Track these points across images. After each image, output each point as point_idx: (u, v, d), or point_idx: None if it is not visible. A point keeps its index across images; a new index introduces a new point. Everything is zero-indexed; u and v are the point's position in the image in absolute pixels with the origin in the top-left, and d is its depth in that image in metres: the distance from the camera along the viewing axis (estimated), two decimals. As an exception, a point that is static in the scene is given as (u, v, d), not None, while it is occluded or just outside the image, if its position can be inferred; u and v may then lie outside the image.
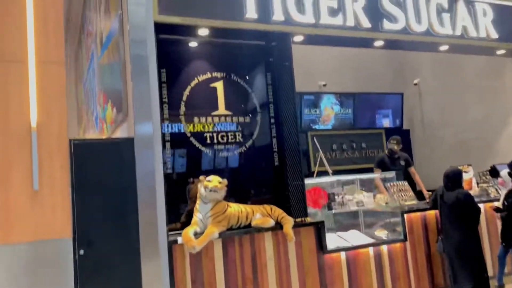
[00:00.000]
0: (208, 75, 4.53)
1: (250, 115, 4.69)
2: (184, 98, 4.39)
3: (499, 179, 5.08)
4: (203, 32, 4.32)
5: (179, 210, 4.32)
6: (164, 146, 4.20)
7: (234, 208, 4.01)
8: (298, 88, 6.46)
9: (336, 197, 4.75)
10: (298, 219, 4.31)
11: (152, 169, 3.64)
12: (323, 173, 5.99)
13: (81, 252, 3.38)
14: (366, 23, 4.92)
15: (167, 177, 4.13)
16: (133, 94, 3.70)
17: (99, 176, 3.51)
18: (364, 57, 8.05)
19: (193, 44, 4.62)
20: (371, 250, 4.55)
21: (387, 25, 5.06)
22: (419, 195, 5.87)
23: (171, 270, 3.64)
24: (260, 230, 4.01)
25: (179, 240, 3.68)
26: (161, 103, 4.22)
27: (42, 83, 3.39)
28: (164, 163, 4.16)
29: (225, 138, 4.51)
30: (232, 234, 3.93)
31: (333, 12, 4.76)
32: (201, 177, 3.91)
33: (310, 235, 4.27)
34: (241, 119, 4.61)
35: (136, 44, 3.76)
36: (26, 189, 3.28)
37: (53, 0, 3.53)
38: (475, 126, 7.54)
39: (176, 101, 4.35)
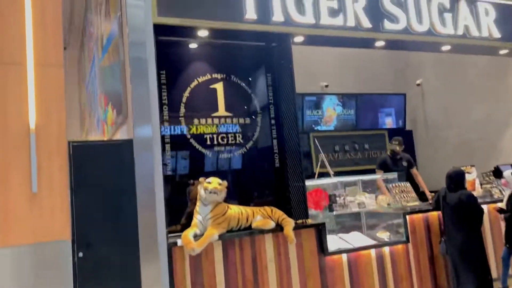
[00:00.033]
0: (208, 76, 4.52)
1: (250, 116, 4.67)
2: (184, 99, 4.38)
3: (503, 180, 5.04)
4: (203, 33, 4.31)
5: (179, 212, 4.30)
6: (163, 148, 4.18)
7: (234, 210, 3.99)
8: (300, 89, 6.45)
9: (337, 198, 4.72)
10: (299, 221, 4.28)
11: (151, 171, 3.63)
12: (325, 174, 5.97)
13: (80, 254, 3.36)
14: (366, 23, 4.89)
15: (167, 179, 4.13)
16: (132, 96, 3.69)
17: (98, 178, 3.50)
18: (367, 57, 8.03)
19: (192, 45, 4.61)
20: (373, 252, 4.51)
21: (388, 25, 5.03)
22: (422, 196, 5.83)
23: (170, 272, 3.62)
24: (261, 232, 3.99)
25: (179, 242, 3.66)
26: (161, 105, 4.21)
27: (41, 86, 3.38)
28: (164, 164, 4.16)
29: (225, 140, 4.49)
30: (232, 236, 3.90)
31: (333, 13, 4.74)
32: (201, 179, 3.90)
33: (311, 237, 4.24)
34: (241, 120, 4.60)
35: (135, 46, 3.76)
36: (25, 191, 3.27)
37: (51, 2, 3.52)
38: (478, 126, 7.48)
39: (176, 102, 4.34)
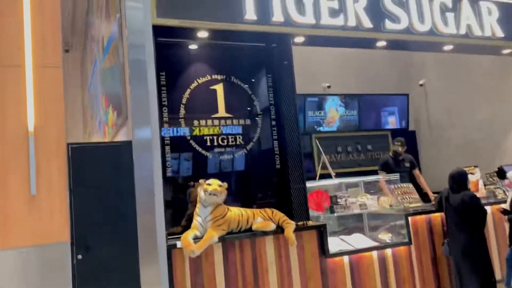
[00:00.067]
0: (208, 77, 4.50)
1: (251, 117, 4.64)
2: (184, 101, 4.36)
3: (506, 181, 4.99)
4: (202, 34, 4.29)
5: (180, 214, 4.28)
6: (163, 150, 4.17)
7: (234, 211, 3.97)
8: (302, 90, 6.43)
9: (338, 200, 4.69)
10: (300, 223, 4.25)
11: (150, 173, 3.61)
12: (327, 176, 5.94)
13: (79, 257, 3.36)
14: (367, 23, 4.86)
15: (166, 180, 4.11)
16: (132, 98, 3.69)
17: (97, 180, 3.49)
18: (369, 58, 7.99)
19: (192, 46, 4.59)
20: (374, 253, 4.48)
21: (389, 25, 4.99)
22: (425, 197, 5.78)
23: (170, 275, 3.60)
24: (261, 234, 3.96)
25: (178, 244, 3.64)
26: (161, 106, 4.20)
27: (39, 88, 3.38)
28: (164, 166, 4.14)
29: (225, 141, 4.47)
30: (232, 238, 3.88)
31: (334, 13, 4.71)
32: (201, 181, 3.88)
33: (312, 238, 4.21)
34: (241, 121, 4.57)
35: (134, 48, 3.75)
36: (24, 193, 3.26)
37: (50, 4, 3.52)
38: (482, 126, 7.42)
39: (176, 104, 4.32)
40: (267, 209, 4.14)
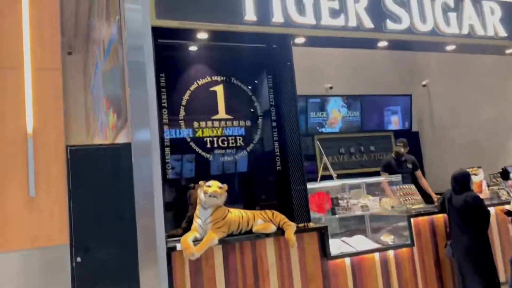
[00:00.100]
0: (208, 79, 4.48)
1: (251, 119, 4.62)
2: (184, 102, 4.34)
3: (510, 182, 4.95)
4: (202, 35, 4.28)
5: (181, 216, 4.27)
6: (163, 152, 4.15)
7: (235, 213, 3.94)
8: (304, 91, 6.40)
9: (340, 201, 4.65)
10: (301, 225, 4.22)
11: (150, 175, 3.59)
12: (330, 177, 5.90)
13: (78, 259, 3.34)
14: (368, 23, 4.83)
15: (166, 182, 4.10)
16: (131, 100, 3.67)
17: (96, 182, 3.48)
18: (371, 58, 7.95)
19: (192, 48, 4.58)
20: (376, 255, 4.44)
21: (390, 25, 4.96)
22: (428, 199, 5.74)
23: (170, 277, 3.58)
24: (262, 236, 3.94)
25: (178, 246, 3.62)
26: (161, 108, 4.19)
27: (38, 90, 3.38)
28: (164, 168, 4.13)
29: (225, 143, 4.45)
30: (232, 240, 3.85)
31: (334, 13, 4.68)
32: (201, 182, 3.86)
33: (313, 240, 4.18)
34: (242, 123, 4.55)
35: (133, 50, 3.74)
36: (23, 196, 3.26)
37: (49, 7, 3.53)
38: (486, 126, 7.37)
39: (176, 105, 4.31)
40: (268, 211, 4.12)
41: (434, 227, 4.80)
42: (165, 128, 4.23)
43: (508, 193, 5.41)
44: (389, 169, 6.01)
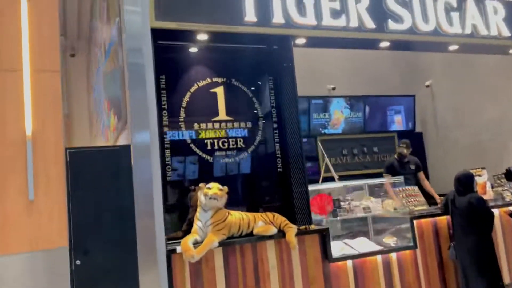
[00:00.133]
0: (208, 80, 4.46)
1: (252, 120, 4.59)
2: (184, 104, 4.33)
3: (514, 183, 4.89)
4: (202, 37, 4.26)
5: (181, 218, 4.25)
6: (163, 153, 4.14)
7: (235, 216, 3.92)
8: (306, 93, 6.36)
9: (342, 203, 4.61)
10: (302, 227, 4.18)
11: (149, 177, 3.58)
12: (331, 178, 5.87)
13: (78, 262, 3.33)
14: (370, 23, 4.79)
15: (166, 184, 4.08)
16: (130, 102, 3.66)
17: (96, 185, 3.47)
18: (374, 59, 7.90)
19: (192, 49, 4.56)
20: (379, 257, 4.40)
21: (392, 25, 4.92)
22: (431, 200, 5.69)
23: (170, 280, 3.56)
24: (262, 238, 3.91)
25: (178, 249, 3.60)
26: (161, 110, 4.17)
27: (37, 92, 3.37)
28: (164, 170, 4.11)
29: (226, 144, 4.43)
30: (233, 242, 3.83)
31: (335, 13, 4.65)
32: (201, 184, 3.84)
33: (315, 243, 4.14)
34: (242, 124, 4.52)
35: (132, 52, 3.73)
36: (22, 198, 3.25)
37: (48, 9, 3.52)
38: (490, 127, 7.30)
39: (176, 107, 4.29)
40: (268, 213, 4.09)
41: (437, 229, 4.75)
42: (166, 130, 4.20)
43: (512, 194, 5.36)
44: (392, 171, 5.97)
